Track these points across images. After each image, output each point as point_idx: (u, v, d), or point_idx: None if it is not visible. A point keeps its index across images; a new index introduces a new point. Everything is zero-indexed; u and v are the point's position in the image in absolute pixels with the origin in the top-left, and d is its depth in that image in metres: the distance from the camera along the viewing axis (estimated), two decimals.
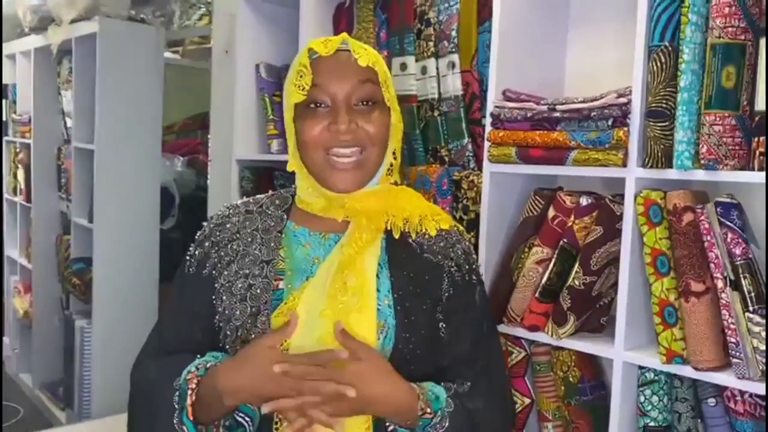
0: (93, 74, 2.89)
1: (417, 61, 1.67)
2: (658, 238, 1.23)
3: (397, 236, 1.03)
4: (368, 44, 1.75)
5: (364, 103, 1.00)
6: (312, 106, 1.00)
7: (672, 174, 1.22)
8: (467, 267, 1.07)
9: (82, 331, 3.04)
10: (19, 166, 3.80)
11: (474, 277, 1.08)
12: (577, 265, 1.34)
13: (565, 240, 1.36)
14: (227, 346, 1.02)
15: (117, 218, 2.97)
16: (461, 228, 1.12)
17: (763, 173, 1.11)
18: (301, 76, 0.99)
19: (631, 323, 1.29)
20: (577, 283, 1.34)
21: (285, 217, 1.07)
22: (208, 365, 0.98)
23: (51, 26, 3.19)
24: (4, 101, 3.99)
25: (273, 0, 2.09)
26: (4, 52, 4.01)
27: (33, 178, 3.56)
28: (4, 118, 4.04)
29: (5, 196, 4.10)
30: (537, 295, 1.39)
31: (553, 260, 1.37)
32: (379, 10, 1.76)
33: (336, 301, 0.97)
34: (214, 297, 1.03)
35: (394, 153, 1.06)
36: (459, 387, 1.02)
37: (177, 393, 0.98)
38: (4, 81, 4.03)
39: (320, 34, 1.87)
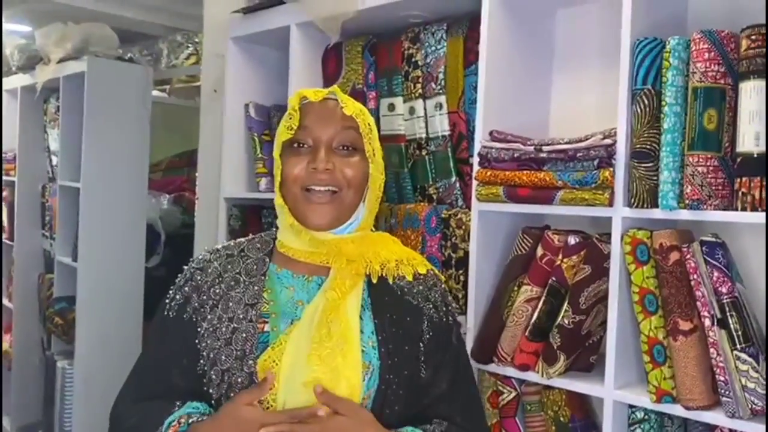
0: (80, 112, 2.90)
1: (405, 101, 1.70)
2: (646, 276, 1.25)
3: (375, 281, 1.06)
4: (357, 85, 1.78)
5: (345, 147, 1.05)
6: (296, 145, 1.05)
7: (657, 214, 1.24)
8: (444, 309, 1.10)
9: (63, 372, 2.98)
10: (3, 204, 3.77)
11: (450, 319, 1.11)
12: (566, 303, 1.35)
13: (554, 278, 1.37)
14: (211, 390, 1.01)
15: (102, 256, 2.94)
16: (437, 272, 1.15)
17: (747, 213, 1.14)
18: (290, 118, 1.05)
19: (620, 362, 1.30)
20: (566, 321, 1.34)
21: (267, 260, 1.09)
22: (190, 420, 0.99)
23: (39, 65, 3.20)
24: None
25: (262, 41, 2.12)
26: None
27: (16, 216, 3.52)
28: None
29: None
30: (527, 333, 1.39)
31: (543, 299, 1.38)
32: (368, 52, 1.79)
33: (322, 347, 0.98)
34: (197, 341, 1.03)
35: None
36: (437, 427, 1.04)
37: None
38: None
39: (309, 75, 1.90)
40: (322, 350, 0.98)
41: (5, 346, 3.70)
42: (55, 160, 3.32)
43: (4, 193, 3.75)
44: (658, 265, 1.23)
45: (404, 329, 1.04)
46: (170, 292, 1.09)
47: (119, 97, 2.95)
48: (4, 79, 3.75)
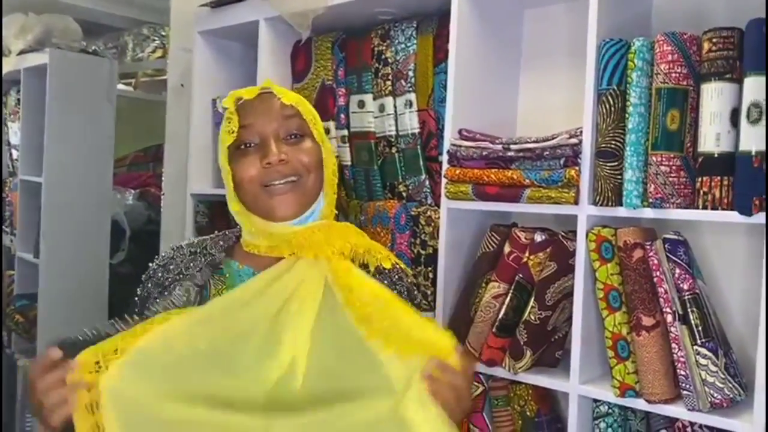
0: (42, 105, 2.83)
1: (375, 99, 1.70)
2: (610, 273, 1.27)
3: (340, 265, 1.04)
4: (326, 81, 1.78)
5: (293, 136, 1.04)
6: (243, 147, 1.04)
7: (621, 212, 1.26)
8: (409, 303, 1.09)
9: (24, 371, 2.92)
10: None
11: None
12: (532, 300, 1.37)
13: (521, 275, 1.39)
14: None
15: (65, 253, 2.89)
16: (403, 266, 1.15)
17: (708, 211, 1.17)
18: (229, 121, 1.03)
19: (585, 357, 1.32)
20: (532, 317, 1.36)
21: (224, 255, 1.09)
22: None
23: None
24: None
25: (230, 36, 2.10)
26: None
27: None
28: None
29: None
30: (494, 329, 1.41)
31: (510, 295, 1.40)
32: (337, 48, 1.78)
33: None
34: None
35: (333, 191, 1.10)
36: None
37: None
38: None
39: (278, 70, 1.89)
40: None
41: None
42: (15, 154, 3.24)
43: None
44: (622, 262, 1.26)
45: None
46: (138, 289, 1.10)
47: (83, 90, 2.90)
48: None
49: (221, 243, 1.11)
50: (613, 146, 1.26)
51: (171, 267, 1.08)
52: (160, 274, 1.08)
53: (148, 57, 3.63)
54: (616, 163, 1.26)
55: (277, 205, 1.02)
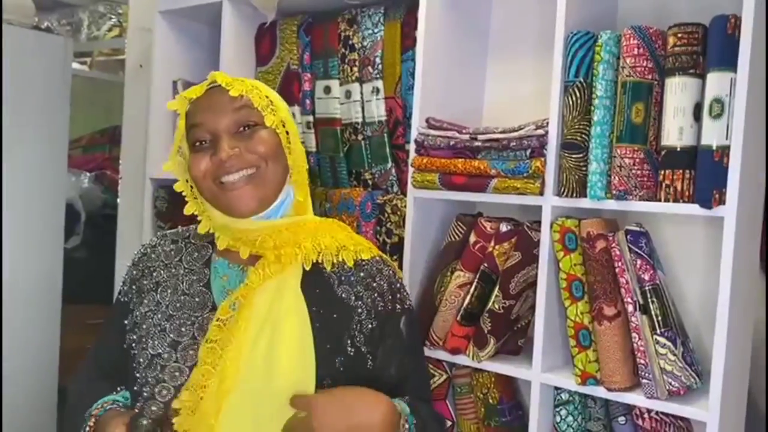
0: None
1: (341, 85, 1.68)
2: (573, 264, 1.29)
3: (308, 268, 1.03)
4: (292, 66, 1.75)
5: (245, 127, 1.01)
6: (196, 145, 1.02)
7: (585, 203, 1.28)
8: (390, 296, 1.08)
9: None
10: None
11: (398, 306, 1.10)
12: (497, 289, 1.38)
13: (486, 265, 1.39)
14: (137, 374, 1.00)
15: (18, 237, 2.79)
16: (385, 257, 1.14)
17: (669, 204, 1.19)
18: (178, 125, 1.03)
19: (547, 345, 1.34)
20: (497, 306, 1.37)
21: (210, 248, 1.07)
22: (107, 407, 1.00)
23: None
24: None
25: (192, 16, 2.04)
26: None
27: None
28: None
29: None
30: (458, 318, 1.42)
31: (474, 284, 1.40)
32: (303, 32, 1.76)
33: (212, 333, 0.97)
34: (126, 323, 1.04)
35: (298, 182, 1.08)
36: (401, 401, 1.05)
37: (83, 426, 0.99)
38: None
39: (241, 53, 1.85)
40: (212, 337, 0.96)
41: None
42: None
43: None
44: (585, 253, 1.28)
45: (333, 322, 1.02)
46: (124, 276, 1.11)
47: (36, 69, 2.79)
48: None
49: (203, 233, 1.09)
50: (578, 138, 1.27)
51: (153, 255, 1.08)
52: (142, 263, 1.08)
53: (104, 36, 3.52)
54: (581, 155, 1.27)
55: (234, 201, 0.99)
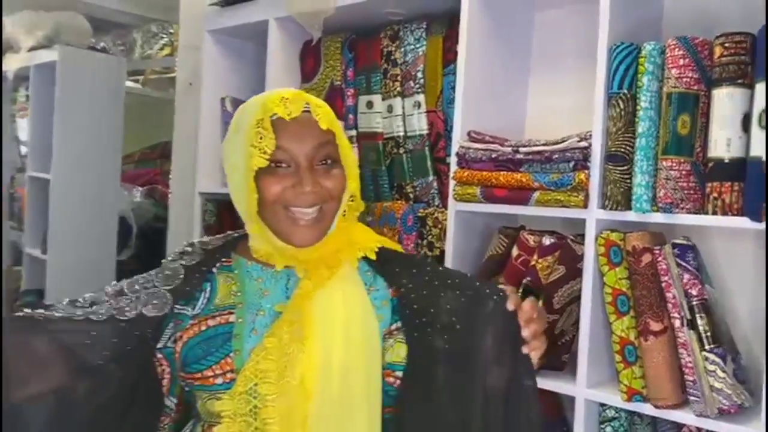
0: (51, 102, 2.85)
1: (383, 99, 1.70)
2: (618, 278, 1.27)
3: (354, 265, 1.06)
4: (335, 82, 1.78)
5: (324, 162, 1.01)
6: (272, 165, 0.99)
7: (631, 216, 1.26)
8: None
9: None
10: None
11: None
12: (540, 303, 1.36)
13: (529, 279, 1.38)
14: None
15: (72, 249, 2.90)
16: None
17: (717, 217, 1.16)
18: (260, 138, 0.97)
19: (592, 361, 1.32)
20: None
21: (237, 254, 1.10)
22: None
23: (8, 53, 3.14)
24: None
25: (239, 35, 2.10)
26: None
27: None
28: None
29: None
30: None
31: None
32: (347, 48, 1.78)
33: (281, 332, 0.99)
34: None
35: (351, 198, 1.08)
36: None
37: None
38: None
39: (287, 70, 1.89)
40: (278, 339, 0.99)
41: None
42: (24, 150, 3.26)
43: None
44: (631, 267, 1.25)
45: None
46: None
47: (91, 87, 2.91)
48: None
49: (232, 241, 1.11)
50: (623, 150, 1.26)
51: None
52: (172, 264, 1.09)
53: (157, 54, 3.64)
54: (625, 167, 1.26)
55: (298, 234, 1.00)
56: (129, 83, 3.64)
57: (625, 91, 1.25)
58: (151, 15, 3.69)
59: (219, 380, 1.00)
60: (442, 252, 1.53)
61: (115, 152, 3.06)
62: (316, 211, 1.00)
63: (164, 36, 3.67)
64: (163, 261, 1.12)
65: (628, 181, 1.25)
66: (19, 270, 3.14)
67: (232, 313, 1.03)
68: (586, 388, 1.32)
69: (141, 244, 3.38)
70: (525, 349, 0.98)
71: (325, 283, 1.03)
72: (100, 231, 3.02)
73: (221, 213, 2.11)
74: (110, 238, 3.07)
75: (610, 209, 1.27)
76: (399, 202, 1.68)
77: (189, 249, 1.11)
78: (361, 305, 1.03)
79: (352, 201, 1.09)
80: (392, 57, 1.68)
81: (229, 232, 1.16)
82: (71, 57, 2.85)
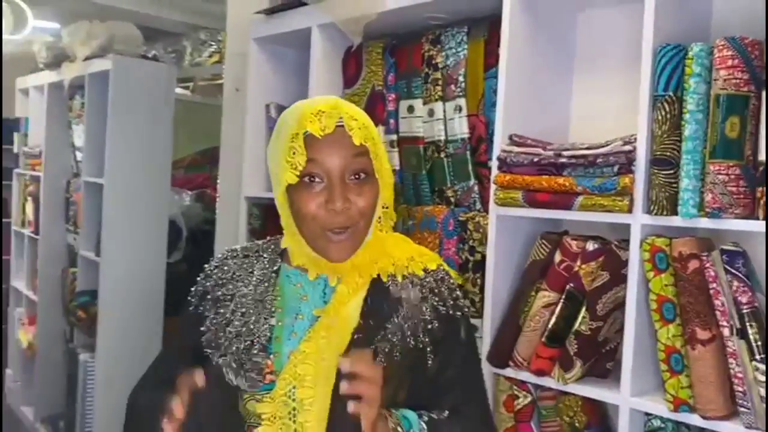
0: (105, 109, 2.94)
1: (424, 104, 1.70)
2: (664, 284, 1.24)
3: (385, 279, 1.06)
4: (377, 87, 1.79)
5: (356, 176, 1.02)
6: (307, 180, 1.01)
7: (677, 221, 1.23)
8: (452, 302, 1.10)
9: (85, 365, 3.03)
10: (29, 198, 3.84)
11: (458, 313, 1.11)
12: (583, 310, 1.34)
13: (572, 285, 1.36)
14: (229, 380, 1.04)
15: (124, 251, 2.99)
16: (448, 268, 1.15)
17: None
18: (293, 153, 0.99)
19: (637, 369, 1.29)
20: (583, 328, 1.34)
21: (279, 260, 1.12)
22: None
23: (65, 63, 3.25)
24: (16, 134, 4.06)
25: (283, 42, 2.13)
26: (18, 86, 4.08)
27: (42, 210, 3.59)
28: (15, 151, 4.10)
29: (13, 228, 4.13)
30: (544, 339, 1.39)
31: (560, 305, 1.37)
32: (388, 54, 1.79)
33: (318, 337, 1.01)
34: (204, 330, 1.08)
35: (385, 207, 1.09)
36: (436, 414, 1.04)
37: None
38: (17, 114, 4.10)
39: (329, 76, 1.91)
40: (317, 344, 1.00)
41: (29, 337, 3.78)
42: (79, 155, 3.37)
43: (30, 188, 3.82)
44: (677, 273, 1.22)
45: (399, 325, 1.04)
46: (192, 289, 1.14)
47: (143, 94, 2.99)
48: (33, 76, 3.82)
49: (272, 247, 1.14)
50: (668, 154, 1.23)
51: (225, 268, 1.13)
52: (215, 275, 1.13)
53: (206, 61, 3.73)
54: (671, 171, 1.23)
55: (332, 251, 1.03)
56: (179, 90, 3.74)
57: (671, 94, 1.22)
58: (200, 23, 3.78)
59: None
60: (484, 257, 1.52)
61: (166, 157, 3.13)
62: (347, 229, 1.02)
63: (213, 44, 3.75)
64: (205, 266, 1.16)
65: (674, 185, 1.22)
66: (75, 272, 3.25)
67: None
68: (630, 397, 1.29)
69: (190, 247, 3.46)
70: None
71: (358, 291, 1.04)
72: (151, 234, 3.10)
73: (266, 217, 2.14)
74: (161, 240, 3.14)
75: (656, 214, 1.24)
76: (439, 206, 1.68)
77: (230, 254, 1.14)
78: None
79: (385, 210, 1.09)
80: (433, 61, 1.68)
81: (269, 238, 1.18)
82: (124, 65, 2.94)
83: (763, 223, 1.13)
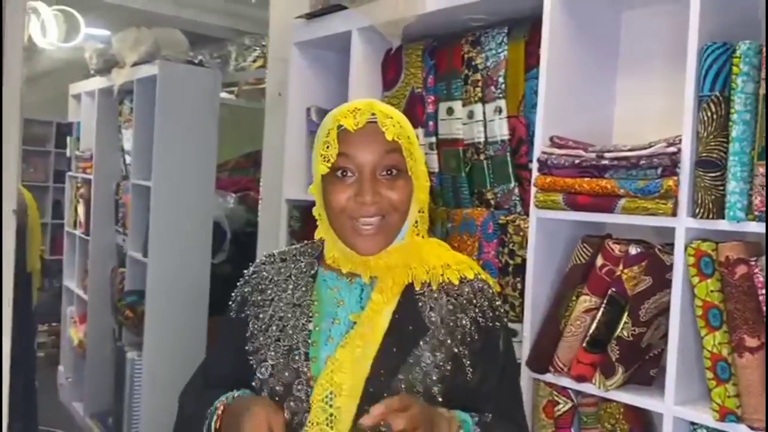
0: (152, 114, 3.01)
1: (464, 105, 1.69)
2: (710, 290, 1.20)
3: (417, 287, 1.06)
4: (416, 89, 1.79)
5: (388, 172, 1.03)
6: (339, 174, 1.03)
7: (723, 225, 1.19)
8: (491, 314, 1.08)
9: (132, 363, 3.11)
10: (80, 200, 3.96)
11: (498, 324, 1.10)
12: (626, 315, 1.31)
13: (614, 289, 1.34)
14: (263, 387, 1.05)
15: (170, 252, 3.05)
16: (486, 276, 1.13)
17: None
18: (327, 147, 1.02)
19: (682, 377, 1.26)
20: (625, 333, 1.31)
21: (316, 263, 1.13)
22: (236, 395, 1.04)
23: (115, 69, 3.35)
24: (69, 138, 4.19)
25: (324, 46, 2.15)
26: (71, 92, 4.22)
27: (92, 212, 3.69)
28: (68, 154, 4.23)
29: (65, 229, 4.27)
30: (584, 344, 1.36)
31: (602, 310, 1.35)
32: (427, 56, 1.79)
33: (353, 347, 1.01)
34: (248, 336, 1.09)
35: (420, 210, 1.09)
36: (482, 417, 1.04)
37: (207, 421, 1.04)
38: (70, 119, 4.24)
39: (369, 79, 1.92)
40: (352, 351, 1.00)
41: (80, 335, 3.90)
42: (128, 159, 3.46)
43: (82, 190, 3.94)
44: (724, 279, 1.19)
45: (435, 342, 1.03)
46: (233, 293, 1.16)
47: (189, 99, 3.06)
48: (84, 82, 3.94)
49: (309, 250, 1.15)
50: (715, 156, 1.19)
51: (263, 273, 1.14)
52: (254, 280, 1.14)
53: (250, 66, 3.78)
54: (718, 174, 1.19)
55: (362, 244, 1.04)
56: (224, 95, 3.81)
57: (717, 94, 1.19)
58: (244, 28, 3.85)
59: None
60: (524, 260, 1.51)
61: (211, 161, 3.19)
62: (377, 221, 1.03)
63: (257, 49, 3.81)
64: (244, 272, 1.18)
65: (721, 188, 1.19)
66: (123, 272, 3.33)
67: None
68: (674, 405, 1.25)
69: (234, 249, 3.52)
70: None
71: (392, 300, 1.04)
72: (196, 235, 3.16)
73: (306, 219, 2.16)
74: (205, 242, 3.21)
75: (701, 217, 1.21)
76: (479, 209, 1.67)
77: (267, 260, 1.15)
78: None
79: (421, 214, 1.09)
80: (473, 63, 1.67)
81: (306, 241, 1.19)
82: (170, 71, 3.01)
83: None
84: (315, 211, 1.12)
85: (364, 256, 1.05)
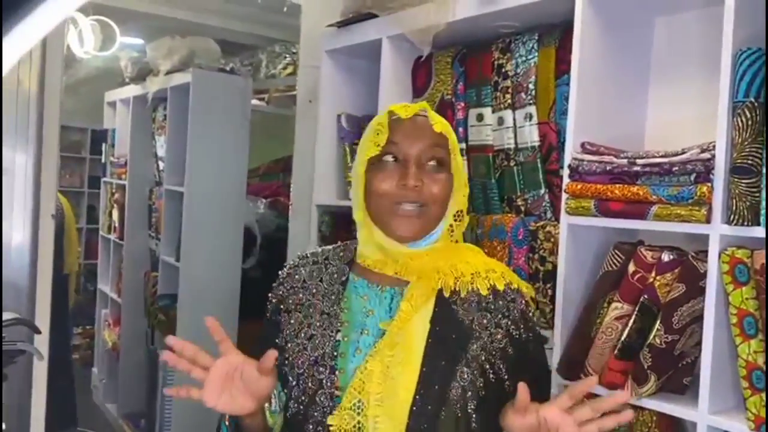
0: (185, 121, 3.07)
1: (494, 112, 1.70)
2: (745, 298, 1.19)
3: (447, 294, 1.06)
4: (446, 96, 1.80)
5: (433, 163, 1.06)
6: (385, 159, 1.06)
7: (759, 232, 1.18)
8: (523, 325, 1.09)
9: (164, 366, 3.16)
10: (114, 205, 4.04)
11: (531, 335, 1.10)
12: (658, 322, 1.30)
13: (646, 296, 1.32)
14: (292, 392, 1.06)
15: (202, 257, 3.10)
16: (519, 284, 1.12)
17: None
18: (377, 134, 1.06)
19: (716, 385, 1.24)
20: (658, 341, 1.30)
21: (347, 269, 1.13)
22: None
23: (149, 77, 3.42)
24: (104, 145, 4.28)
25: (354, 53, 2.17)
26: (106, 99, 4.31)
27: (126, 217, 3.77)
28: (103, 161, 4.33)
29: (100, 233, 4.36)
30: (616, 352, 1.35)
31: (633, 317, 1.34)
32: (457, 63, 1.80)
33: (382, 358, 1.01)
34: (278, 341, 1.09)
35: (457, 215, 1.10)
36: None
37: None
38: (106, 126, 4.34)
39: (399, 87, 1.93)
40: (382, 361, 1.01)
41: (114, 337, 3.97)
42: (162, 165, 3.53)
43: (116, 196, 4.02)
44: (759, 286, 1.17)
45: (455, 345, 1.04)
46: (270, 294, 1.17)
47: (221, 106, 3.11)
48: (119, 90, 4.03)
49: (341, 254, 1.16)
50: (750, 162, 1.18)
51: (296, 276, 1.15)
52: (287, 282, 1.15)
53: (280, 73, 3.83)
54: (753, 180, 1.18)
55: (401, 225, 1.04)
56: (255, 101, 3.86)
57: (753, 99, 1.17)
58: (275, 36, 3.90)
59: None
60: (555, 266, 1.50)
61: (242, 166, 3.24)
62: (417, 207, 1.04)
63: (287, 56, 3.85)
64: (279, 272, 1.19)
65: (756, 194, 1.17)
66: (156, 275, 3.39)
67: (339, 330, 1.07)
68: (708, 414, 1.24)
69: (264, 253, 3.55)
70: None
71: (421, 309, 1.04)
72: (227, 240, 3.20)
73: (336, 224, 2.18)
74: (236, 247, 3.25)
75: (736, 224, 1.20)
76: (509, 215, 1.67)
77: (300, 261, 1.17)
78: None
79: (458, 222, 1.10)
80: (503, 69, 1.68)
81: (339, 243, 1.20)
82: (203, 78, 3.07)
83: None
84: (353, 196, 1.12)
85: (397, 250, 1.05)
